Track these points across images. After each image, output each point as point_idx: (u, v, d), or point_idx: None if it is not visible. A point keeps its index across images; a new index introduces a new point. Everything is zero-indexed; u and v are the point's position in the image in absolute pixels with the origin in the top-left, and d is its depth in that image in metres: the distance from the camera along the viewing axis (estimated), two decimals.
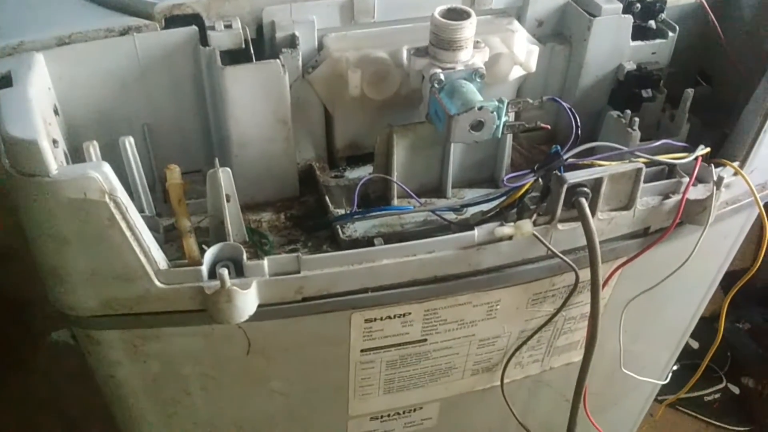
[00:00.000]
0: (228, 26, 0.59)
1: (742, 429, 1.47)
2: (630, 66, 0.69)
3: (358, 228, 0.62)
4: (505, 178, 0.58)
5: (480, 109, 0.56)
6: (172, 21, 0.59)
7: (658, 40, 0.69)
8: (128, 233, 0.50)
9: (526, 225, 0.58)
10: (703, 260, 0.71)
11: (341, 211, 0.64)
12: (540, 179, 0.58)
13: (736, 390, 1.51)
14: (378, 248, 0.57)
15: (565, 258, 0.60)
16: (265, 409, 0.70)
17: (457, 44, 0.58)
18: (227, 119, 0.59)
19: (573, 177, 0.57)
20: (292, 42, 0.61)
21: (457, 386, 0.74)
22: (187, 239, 0.56)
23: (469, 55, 0.59)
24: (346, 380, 0.68)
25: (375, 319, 0.62)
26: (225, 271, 0.52)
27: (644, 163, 0.59)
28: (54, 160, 0.47)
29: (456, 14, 0.58)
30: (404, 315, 0.62)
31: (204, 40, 0.59)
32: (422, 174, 0.65)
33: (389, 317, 0.62)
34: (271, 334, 0.61)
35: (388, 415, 0.75)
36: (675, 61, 0.71)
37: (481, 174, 0.68)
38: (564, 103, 0.59)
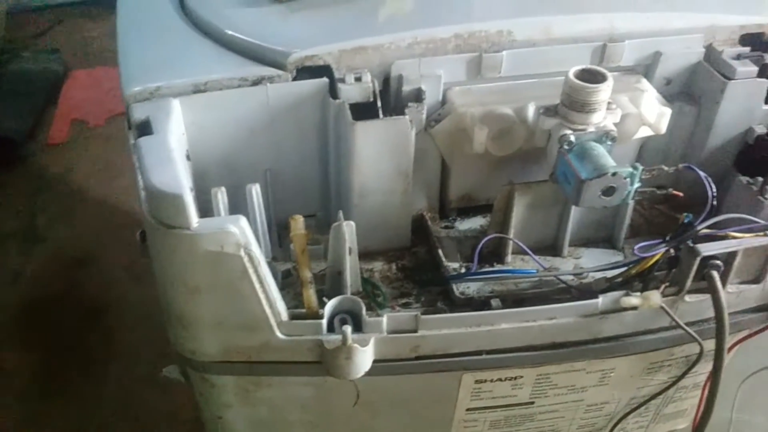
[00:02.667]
0: (358, 79, 0.59)
1: None
2: (761, 130, 0.66)
3: (472, 285, 0.61)
4: (636, 248, 0.56)
5: (614, 175, 0.54)
6: (303, 72, 0.60)
7: None
8: (257, 286, 0.51)
9: (655, 296, 0.56)
10: None
11: (454, 265, 0.63)
12: (671, 250, 0.56)
13: None
14: (497, 312, 0.56)
15: (691, 332, 0.57)
16: None
17: (591, 107, 0.57)
18: (351, 170, 0.60)
19: (708, 250, 0.54)
20: (418, 96, 0.61)
21: None
22: (308, 290, 0.56)
23: (602, 117, 0.58)
24: None
25: (486, 381, 0.61)
26: (348, 329, 0.51)
27: None
28: (195, 213, 0.48)
29: (590, 75, 0.57)
30: (515, 378, 0.61)
31: (333, 92, 0.60)
32: (539, 231, 0.64)
33: (500, 379, 0.61)
34: (381, 389, 0.60)
35: None
36: None
37: (598, 233, 0.66)
38: (702, 173, 0.57)
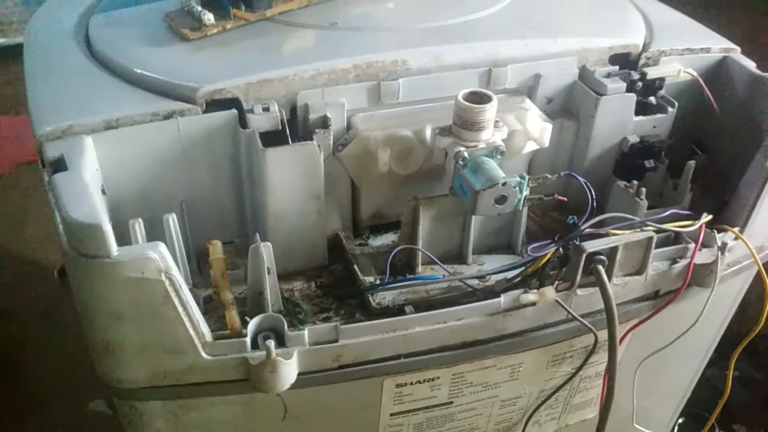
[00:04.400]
0: (266, 109, 0.63)
1: None
2: (633, 139, 0.74)
3: (386, 296, 0.65)
4: (529, 249, 0.61)
5: (504, 185, 0.60)
6: (213, 104, 0.63)
7: (658, 115, 0.75)
8: (180, 309, 0.53)
9: (549, 292, 0.61)
10: (707, 320, 0.74)
11: (370, 279, 0.67)
12: (560, 249, 0.62)
13: None
14: (411, 317, 0.60)
15: (585, 322, 0.63)
16: None
17: (480, 125, 0.63)
18: (266, 195, 0.63)
19: (591, 246, 0.61)
20: (324, 123, 0.65)
21: None
22: (230, 311, 0.59)
23: (490, 134, 0.64)
24: None
25: (405, 384, 0.65)
26: (272, 343, 0.54)
27: (654, 231, 0.64)
28: (114, 242, 0.50)
29: (478, 97, 0.63)
30: (433, 379, 0.65)
31: (243, 122, 0.63)
32: (444, 242, 0.69)
33: (419, 382, 0.65)
34: (307, 401, 0.63)
35: None
36: (673, 133, 0.77)
37: (498, 241, 0.72)
38: (581, 179, 0.64)
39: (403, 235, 0.68)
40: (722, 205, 0.72)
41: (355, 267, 0.68)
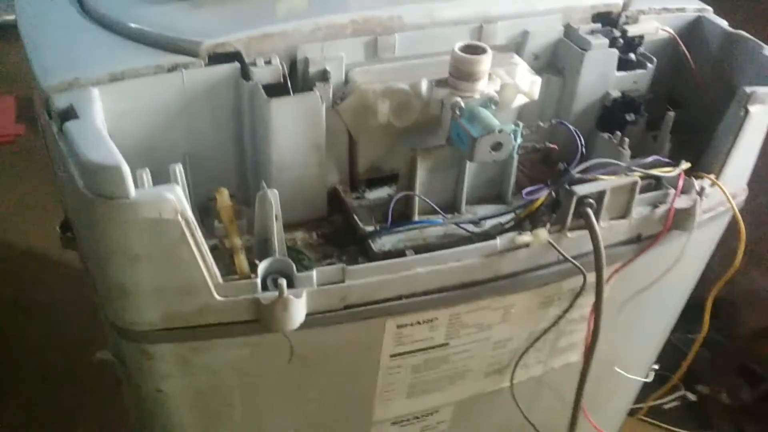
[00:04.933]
0: (267, 62, 0.65)
1: None
2: (615, 93, 0.78)
3: (386, 242, 0.68)
4: (524, 192, 0.65)
5: (500, 132, 0.63)
6: (215, 58, 0.65)
7: (638, 71, 0.78)
8: (195, 249, 0.55)
9: (542, 233, 0.65)
10: (685, 264, 0.79)
11: (368, 228, 0.70)
12: (553, 193, 0.65)
13: (693, 397, 1.61)
14: (413, 258, 0.63)
15: (575, 262, 0.67)
16: (298, 417, 0.74)
17: (476, 76, 0.65)
18: (269, 146, 0.65)
19: (582, 190, 0.65)
20: (323, 76, 0.67)
21: (471, 388, 0.79)
22: (239, 255, 0.61)
23: (485, 85, 0.67)
24: (374, 385, 0.73)
25: (406, 325, 0.68)
26: (284, 282, 0.57)
27: (639, 176, 0.68)
28: (132, 183, 0.52)
29: (472, 49, 0.66)
30: (432, 320, 0.68)
31: (245, 75, 0.65)
32: (439, 192, 0.72)
33: (418, 323, 0.68)
34: (313, 342, 0.65)
35: (407, 420, 0.80)
36: (652, 88, 0.81)
37: (489, 191, 0.75)
38: (570, 126, 0.67)
39: (401, 185, 0.70)
40: (695, 155, 0.76)
41: (355, 216, 0.70)
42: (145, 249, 0.54)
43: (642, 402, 1.27)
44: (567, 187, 0.65)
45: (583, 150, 0.67)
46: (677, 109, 0.83)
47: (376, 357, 0.70)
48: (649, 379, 0.98)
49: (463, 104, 0.65)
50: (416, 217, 0.71)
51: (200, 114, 0.66)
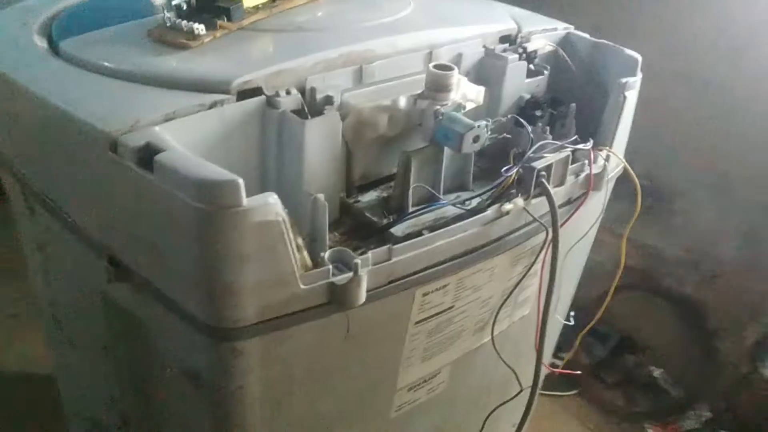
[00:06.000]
0: (287, 93, 0.77)
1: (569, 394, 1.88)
2: (527, 96, 1.01)
3: (404, 229, 0.83)
4: (503, 170, 0.84)
5: (478, 127, 0.82)
6: (242, 94, 0.76)
7: (538, 77, 1.02)
8: (289, 245, 0.66)
9: (519, 201, 0.84)
10: (592, 217, 1.03)
11: (383, 221, 0.84)
12: (520, 169, 0.85)
13: (559, 362, 1.91)
14: (434, 234, 0.79)
15: (540, 221, 0.87)
16: (342, 394, 0.85)
17: (449, 87, 0.84)
18: (302, 161, 0.77)
19: (539, 164, 0.85)
20: (329, 101, 0.81)
21: (464, 346, 0.96)
22: (303, 252, 0.72)
23: (455, 94, 0.85)
24: (401, 353, 0.87)
25: (428, 293, 0.83)
26: (359, 261, 0.70)
27: (570, 152, 0.90)
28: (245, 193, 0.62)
29: (442, 67, 0.84)
30: (445, 286, 0.84)
31: (270, 106, 0.77)
32: (426, 184, 0.89)
33: (437, 289, 0.83)
34: (361, 318, 0.77)
35: (419, 384, 0.94)
36: (547, 89, 1.05)
37: (454, 183, 0.93)
38: (521, 119, 0.88)
39: (398, 182, 0.86)
40: (584, 136, 1.01)
41: (367, 214, 0.84)
42: (253, 248, 0.64)
43: None
44: (529, 164, 0.85)
45: (531, 136, 0.88)
46: (561, 105, 1.08)
47: (405, 325, 0.84)
48: (572, 323, 1.21)
49: (443, 110, 0.83)
50: (410, 207, 0.87)
51: (234, 142, 0.76)
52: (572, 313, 1.24)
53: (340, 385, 0.84)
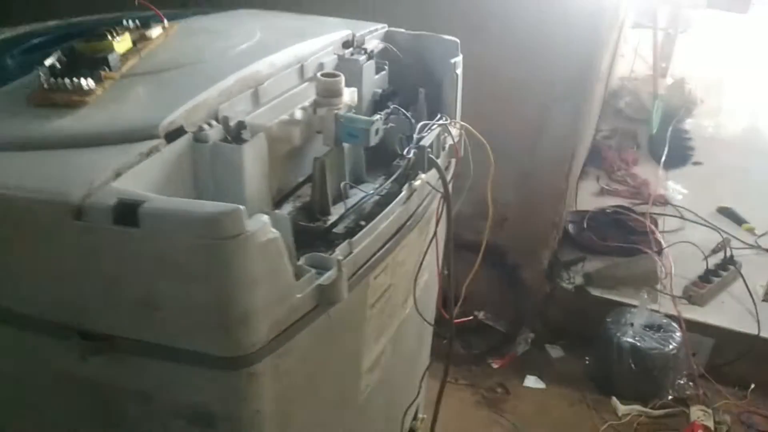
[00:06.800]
0: (209, 126, 0.79)
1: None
2: (379, 90, 1.12)
3: (340, 229, 0.89)
4: (405, 152, 0.94)
5: (377, 120, 0.91)
6: (168, 135, 0.76)
7: (382, 73, 1.14)
8: (287, 258, 0.70)
9: (423, 176, 0.96)
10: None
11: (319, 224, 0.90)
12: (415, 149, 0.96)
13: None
14: (377, 219, 0.87)
15: (437, 188, 1.00)
16: (331, 393, 0.89)
17: (339, 92, 0.92)
18: (242, 184, 0.79)
19: (425, 142, 0.97)
20: (242, 125, 0.84)
21: (397, 319, 1.05)
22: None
23: (345, 97, 0.93)
24: (363, 336, 0.93)
25: (377, 276, 0.91)
26: (342, 257, 0.76)
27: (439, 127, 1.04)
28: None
29: (329, 75, 0.92)
30: (386, 267, 0.93)
31: (197, 140, 0.78)
32: (334, 183, 0.96)
33: (382, 272, 0.92)
34: (336, 314, 0.83)
35: (374, 365, 1.01)
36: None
37: (352, 178, 1.02)
38: (402, 110, 1.00)
39: (316, 187, 0.92)
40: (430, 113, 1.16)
41: (302, 222, 0.89)
42: (261, 270, 0.67)
43: None
44: (420, 144, 0.97)
45: (412, 121, 1.00)
46: (396, 95, 1.22)
47: (364, 311, 0.91)
48: None
49: (341, 113, 0.91)
50: (331, 208, 0.94)
51: (173, 182, 0.76)
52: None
53: (327, 385, 0.89)
